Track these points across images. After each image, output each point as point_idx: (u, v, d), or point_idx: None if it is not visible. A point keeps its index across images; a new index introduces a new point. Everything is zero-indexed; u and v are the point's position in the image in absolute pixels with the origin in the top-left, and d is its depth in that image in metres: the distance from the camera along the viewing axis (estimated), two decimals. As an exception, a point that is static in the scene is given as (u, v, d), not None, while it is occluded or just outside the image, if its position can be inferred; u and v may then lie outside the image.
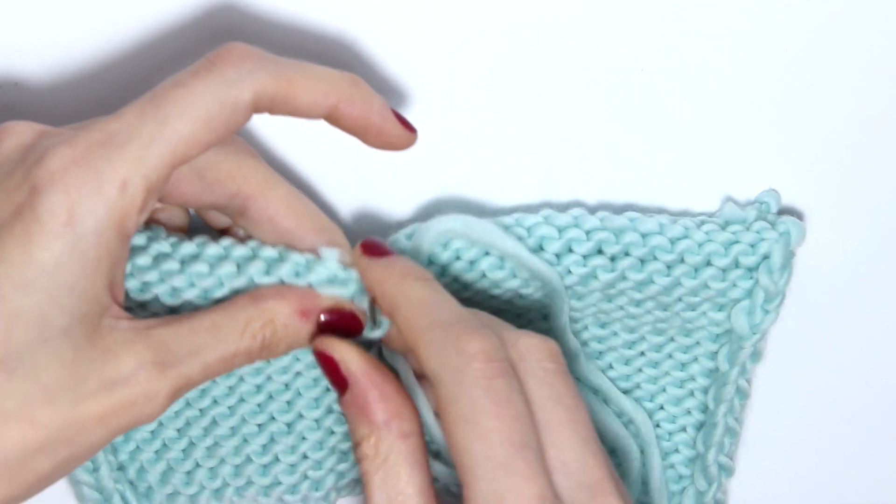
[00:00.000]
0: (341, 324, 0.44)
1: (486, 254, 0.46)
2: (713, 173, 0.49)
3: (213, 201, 0.44)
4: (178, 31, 0.46)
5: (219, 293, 0.43)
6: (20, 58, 0.45)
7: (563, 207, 0.48)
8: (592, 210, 0.48)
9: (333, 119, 0.42)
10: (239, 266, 0.43)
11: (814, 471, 0.54)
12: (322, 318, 0.43)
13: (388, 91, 0.47)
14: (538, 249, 0.47)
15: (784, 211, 0.49)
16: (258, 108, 0.40)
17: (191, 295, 0.43)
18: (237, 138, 0.45)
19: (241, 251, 0.44)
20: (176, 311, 0.44)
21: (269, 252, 0.44)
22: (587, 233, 0.47)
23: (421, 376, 0.44)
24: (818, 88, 0.48)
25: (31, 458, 0.38)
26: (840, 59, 0.48)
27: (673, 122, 0.48)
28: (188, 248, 0.43)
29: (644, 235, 0.47)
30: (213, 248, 0.44)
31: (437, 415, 0.42)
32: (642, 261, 0.47)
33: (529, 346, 0.41)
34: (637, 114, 0.48)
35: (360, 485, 0.52)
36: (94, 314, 0.39)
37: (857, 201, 0.50)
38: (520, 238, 0.47)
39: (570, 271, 0.47)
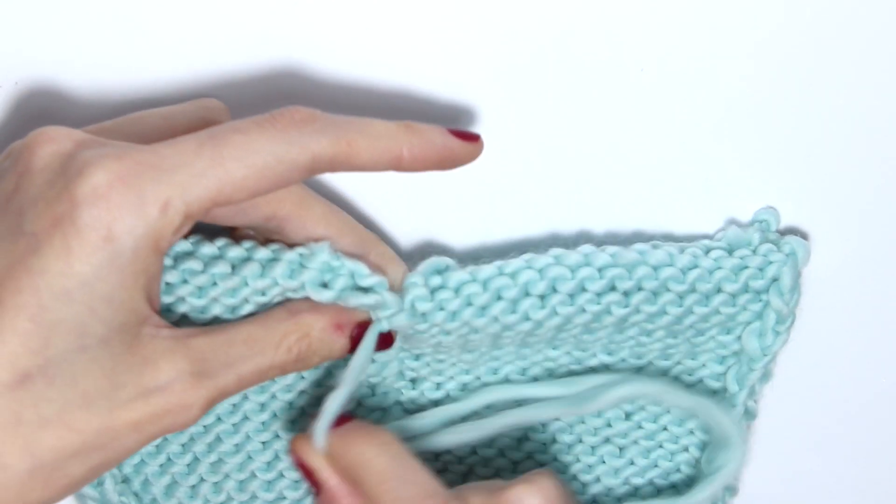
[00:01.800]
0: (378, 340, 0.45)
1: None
2: (707, 188, 0.49)
3: (246, 223, 0.44)
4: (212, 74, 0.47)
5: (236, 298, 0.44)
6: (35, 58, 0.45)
7: (571, 241, 0.48)
8: (597, 240, 0.48)
9: (400, 168, 0.42)
10: (234, 266, 0.44)
11: (817, 485, 0.54)
12: (356, 332, 0.44)
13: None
14: (551, 291, 0.46)
15: (785, 230, 0.50)
16: (315, 169, 0.41)
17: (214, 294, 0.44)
18: None
19: (236, 251, 0.44)
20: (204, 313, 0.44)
21: (263, 253, 0.44)
22: (599, 270, 0.46)
23: None
24: (811, 103, 0.48)
25: (66, 462, 0.39)
26: (832, 68, 0.48)
27: (668, 140, 0.49)
28: (209, 248, 0.44)
29: (655, 268, 0.47)
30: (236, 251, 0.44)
31: None
32: (655, 293, 0.47)
33: (520, 498, 0.43)
34: (631, 131, 0.48)
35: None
36: (132, 324, 0.39)
37: (853, 214, 0.50)
38: (531, 280, 0.46)
39: (583, 310, 0.47)
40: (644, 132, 0.48)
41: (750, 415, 0.50)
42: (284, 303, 0.44)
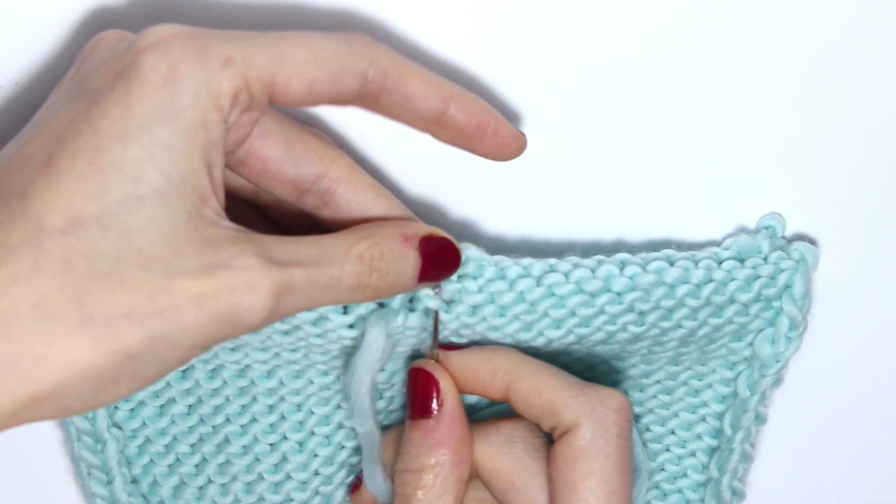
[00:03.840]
0: (441, 253, 0.43)
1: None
2: (710, 193, 0.49)
3: (297, 175, 0.42)
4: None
5: None
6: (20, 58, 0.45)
7: (583, 246, 0.48)
8: (607, 247, 0.48)
9: (445, 122, 0.41)
10: None
11: (827, 488, 0.54)
12: (422, 246, 0.42)
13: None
14: (571, 315, 0.46)
15: (790, 235, 0.50)
16: (369, 81, 0.39)
17: None
18: (321, 133, 0.45)
19: None
20: None
21: None
22: (619, 294, 0.46)
23: None
24: (811, 107, 0.48)
25: (119, 322, 0.36)
26: (833, 70, 0.47)
27: (671, 146, 0.48)
28: None
29: (672, 287, 0.46)
30: None
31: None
32: (670, 310, 0.47)
33: (622, 404, 0.44)
34: (635, 136, 0.48)
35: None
36: (190, 190, 0.37)
37: (857, 217, 0.50)
38: (551, 308, 0.46)
39: (599, 329, 0.47)
40: (647, 137, 0.48)
41: (760, 419, 0.50)
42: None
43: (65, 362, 0.35)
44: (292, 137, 0.42)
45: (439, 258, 0.43)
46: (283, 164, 0.42)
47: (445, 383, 0.45)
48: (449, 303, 0.45)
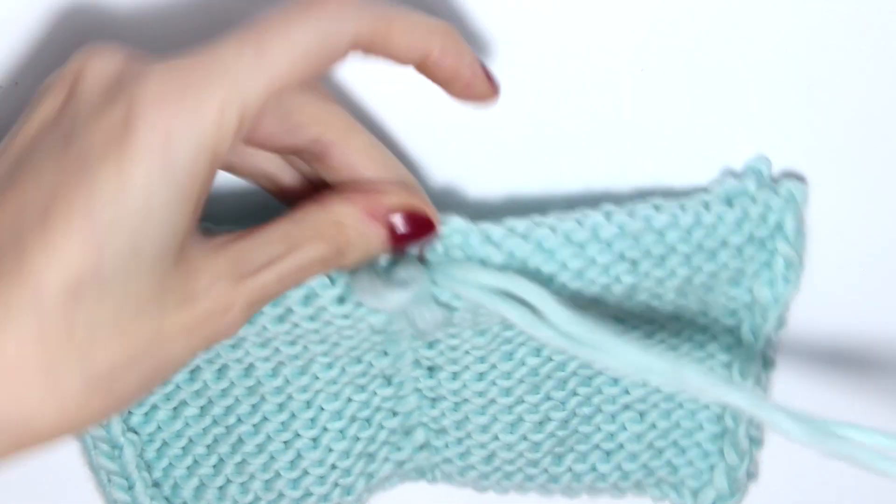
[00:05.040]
0: (413, 224, 0.44)
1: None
2: (697, 140, 0.49)
3: (293, 144, 0.43)
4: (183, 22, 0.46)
5: None
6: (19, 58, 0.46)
7: (569, 200, 0.48)
8: (595, 196, 0.48)
9: (424, 67, 0.41)
10: None
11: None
12: (392, 220, 0.43)
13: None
14: (562, 267, 0.46)
15: (777, 174, 0.49)
16: (356, 46, 0.40)
17: None
18: (320, 84, 0.45)
19: None
20: None
21: None
22: (608, 244, 0.46)
23: None
24: (802, 48, 0.48)
25: (121, 373, 0.37)
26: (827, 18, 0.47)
27: (656, 91, 0.48)
28: None
29: (661, 233, 0.46)
30: None
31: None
32: (662, 257, 0.47)
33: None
34: (620, 81, 0.48)
35: (389, 481, 0.53)
36: (181, 232, 0.38)
37: (846, 156, 0.49)
38: (542, 264, 0.46)
39: (593, 282, 0.47)
40: (633, 82, 0.48)
41: (768, 364, 0.49)
42: (314, 195, 0.43)
43: (70, 418, 0.37)
44: (288, 111, 0.43)
45: (411, 230, 0.44)
46: (279, 137, 0.43)
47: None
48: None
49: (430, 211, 0.44)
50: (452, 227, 0.45)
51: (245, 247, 0.40)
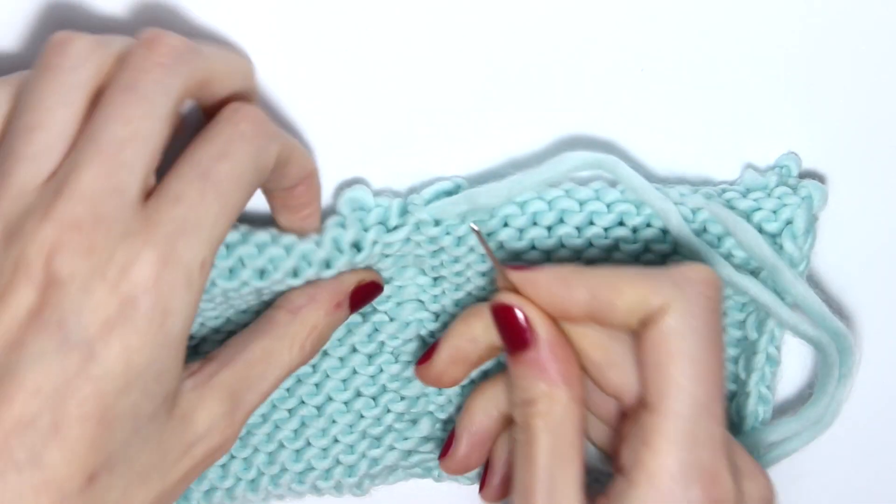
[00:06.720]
0: (369, 295, 0.48)
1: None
2: (731, 139, 0.49)
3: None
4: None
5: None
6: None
7: (584, 181, 0.48)
8: (613, 183, 0.48)
9: (286, 192, 0.45)
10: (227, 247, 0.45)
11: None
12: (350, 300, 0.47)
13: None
14: (559, 222, 0.47)
15: (805, 174, 0.49)
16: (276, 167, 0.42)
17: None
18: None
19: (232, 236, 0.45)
20: None
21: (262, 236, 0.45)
22: (608, 205, 0.47)
23: None
24: (835, 48, 0.48)
25: None
26: (854, 16, 0.48)
27: (688, 88, 0.48)
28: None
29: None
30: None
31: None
32: (664, 231, 0.47)
33: (708, 276, 0.42)
34: (650, 80, 0.48)
35: (394, 473, 0.52)
36: (173, 390, 0.40)
37: (878, 162, 0.50)
38: (539, 211, 0.46)
39: (591, 244, 0.47)
40: (663, 78, 0.48)
41: (772, 361, 0.50)
42: (280, 301, 0.46)
43: None
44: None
45: (366, 295, 0.48)
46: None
47: (530, 311, 0.43)
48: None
49: (377, 276, 0.48)
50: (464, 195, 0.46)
51: (232, 377, 0.43)
